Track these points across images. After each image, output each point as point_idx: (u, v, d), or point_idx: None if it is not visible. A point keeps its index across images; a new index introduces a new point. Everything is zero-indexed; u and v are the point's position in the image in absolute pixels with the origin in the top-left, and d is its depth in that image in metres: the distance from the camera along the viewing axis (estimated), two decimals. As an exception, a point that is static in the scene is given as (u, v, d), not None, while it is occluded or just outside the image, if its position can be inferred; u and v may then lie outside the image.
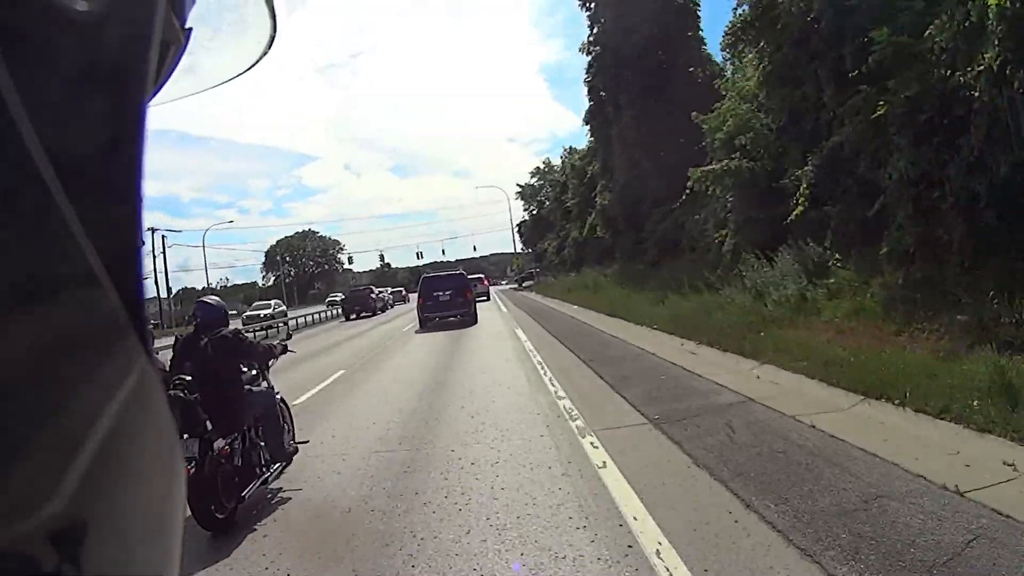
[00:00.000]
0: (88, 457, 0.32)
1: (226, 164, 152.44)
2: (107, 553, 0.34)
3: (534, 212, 63.98)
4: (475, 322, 19.32)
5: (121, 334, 0.36)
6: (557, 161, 58.41)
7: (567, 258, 44.62)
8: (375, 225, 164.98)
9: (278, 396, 5.08)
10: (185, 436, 3.87)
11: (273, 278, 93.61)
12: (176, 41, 0.46)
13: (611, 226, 28.69)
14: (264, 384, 4.99)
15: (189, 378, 4.02)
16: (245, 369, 4.80)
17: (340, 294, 48.99)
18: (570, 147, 53.24)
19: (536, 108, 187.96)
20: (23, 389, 0.29)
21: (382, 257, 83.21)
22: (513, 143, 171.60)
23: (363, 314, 33.01)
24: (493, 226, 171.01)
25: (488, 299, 35.30)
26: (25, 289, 0.30)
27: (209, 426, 4.03)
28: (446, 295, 19.55)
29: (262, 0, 0.59)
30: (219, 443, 4.12)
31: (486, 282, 40.17)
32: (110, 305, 0.35)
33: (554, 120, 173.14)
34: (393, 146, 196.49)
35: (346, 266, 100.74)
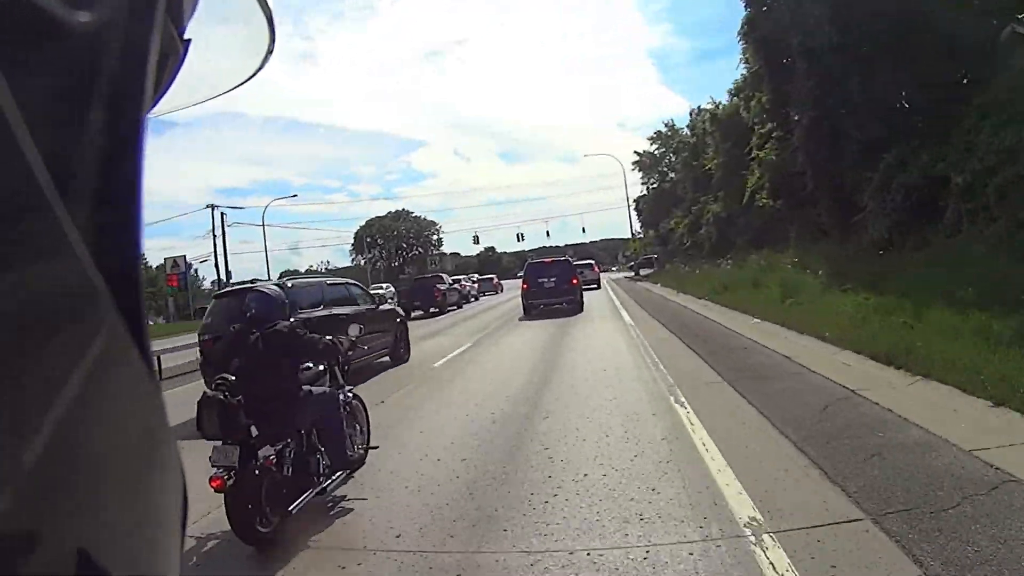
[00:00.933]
0: (75, 462, 0.32)
1: (335, 150, 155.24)
2: (88, 557, 0.33)
3: (655, 185, 52.84)
4: (581, 310, 18.19)
5: (120, 345, 0.36)
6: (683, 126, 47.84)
7: (704, 239, 34.60)
8: (481, 212, 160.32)
9: (350, 396, 4.64)
10: (223, 442, 3.44)
11: (362, 261, 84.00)
12: (175, 52, 0.46)
13: (786, 191, 19.64)
14: (329, 385, 4.47)
15: (233, 378, 3.63)
16: (311, 366, 4.36)
17: (387, 285, 36.71)
18: (697, 107, 42.59)
19: (645, 93, 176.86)
20: (16, 397, 0.30)
21: (476, 239, 65.55)
22: (623, 128, 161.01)
23: (431, 309, 24.30)
24: (606, 205, 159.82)
25: (598, 287, 31.10)
26: (23, 301, 0.30)
27: (255, 431, 3.64)
28: (551, 282, 18.74)
29: (260, 11, 0.59)
30: (265, 450, 3.67)
31: (596, 268, 34.43)
32: (109, 317, 0.35)
33: (663, 104, 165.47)
34: (501, 131, 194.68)
35: (441, 249, 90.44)
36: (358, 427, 4.85)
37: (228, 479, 3.34)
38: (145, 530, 0.38)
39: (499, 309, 23.73)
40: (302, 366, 4.34)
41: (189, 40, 0.48)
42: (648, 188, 53.31)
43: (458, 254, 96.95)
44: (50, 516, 0.30)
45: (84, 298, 0.33)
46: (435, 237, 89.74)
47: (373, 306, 10.52)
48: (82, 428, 0.32)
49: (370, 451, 4.82)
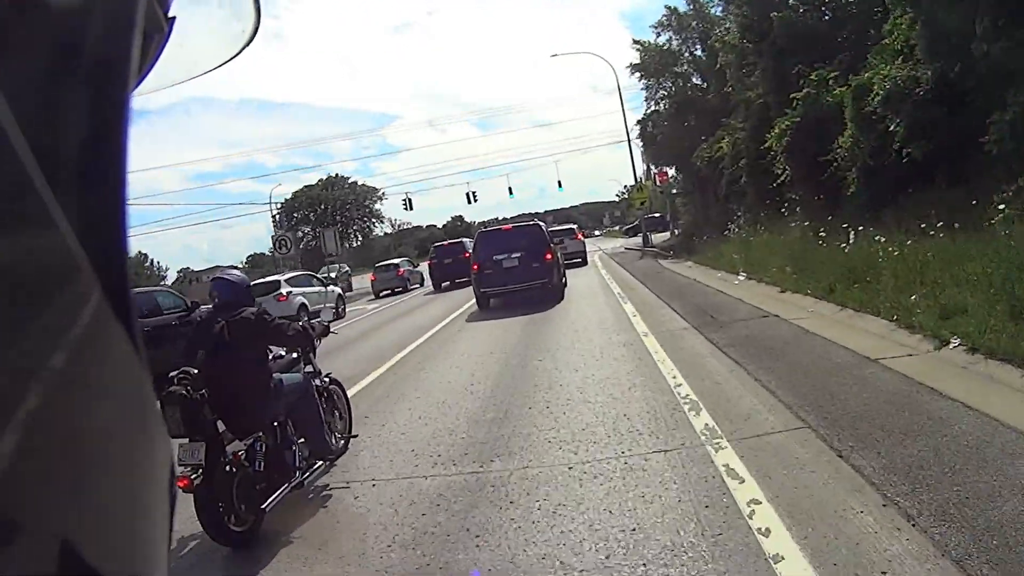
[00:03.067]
0: (62, 453, 0.32)
1: (309, 128, 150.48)
2: (72, 548, 0.32)
3: (664, 96, 29.13)
4: (561, 299, 12.23)
5: (105, 327, 0.35)
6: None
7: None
8: (460, 180, 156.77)
9: (326, 382, 4.52)
10: (188, 440, 3.28)
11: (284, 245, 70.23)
12: (159, 30, 0.45)
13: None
14: (303, 371, 4.30)
15: (195, 371, 3.45)
16: (283, 354, 4.27)
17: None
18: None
19: (619, 58, 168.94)
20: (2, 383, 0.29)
21: (408, 203, 44.00)
22: (596, 92, 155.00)
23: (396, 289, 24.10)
24: (588, 165, 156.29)
25: (584, 262, 22.35)
26: (7, 281, 0.30)
27: (223, 427, 3.49)
28: (512, 258, 12.36)
29: None
30: (234, 446, 3.55)
31: (579, 235, 24.97)
32: (94, 297, 0.34)
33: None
34: (474, 101, 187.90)
35: (399, 220, 77.98)
36: (337, 413, 4.70)
37: (196, 478, 3.23)
38: (131, 520, 0.37)
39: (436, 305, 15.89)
40: (273, 355, 4.19)
41: (174, 18, 0.47)
42: (656, 103, 29.55)
43: (435, 226, 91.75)
44: (31, 504, 0.29)
45: (68, 277, 0.33)
46: (376, 206, 73.73)
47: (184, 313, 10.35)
48: (64, 409, 0.31)
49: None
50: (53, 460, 0.31)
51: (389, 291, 24.21)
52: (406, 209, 55.07)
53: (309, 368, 4.44)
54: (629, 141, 29.69)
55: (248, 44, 0.62)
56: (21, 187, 0.30)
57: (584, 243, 25.19)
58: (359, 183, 73.01)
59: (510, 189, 53.90)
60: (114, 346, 0.36)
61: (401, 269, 24.85)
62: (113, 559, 0.34)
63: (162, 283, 62.69)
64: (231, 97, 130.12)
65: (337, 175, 72.87)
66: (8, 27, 0.31)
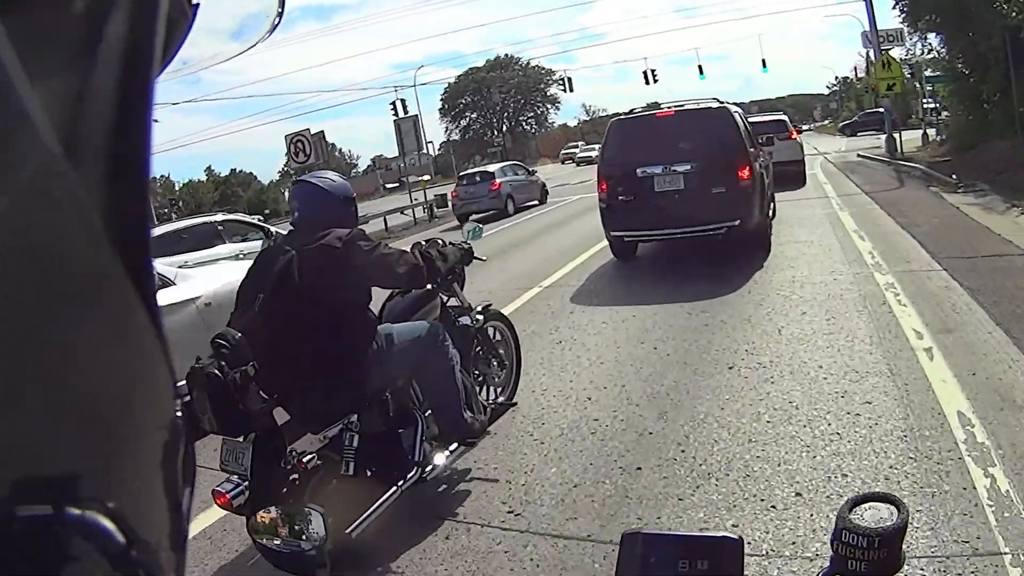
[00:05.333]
0: (71, 407, 0.32)
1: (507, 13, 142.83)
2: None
3: None
4: (764, 259, 6.68)
5: (129, 315, 0.36)
6: None
7: None
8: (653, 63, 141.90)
9: (478, 321, 3.32)
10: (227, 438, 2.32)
11: (455, 131, 64.94)
12: (183, 17, 0.46)
13: None
14: (438, 312, 3.16)
15: (238, 335, 2.28)
16: (397, 295, 3.10)
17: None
18: None
19: None
20: (16, 362, 0.30)
21: (568, 83, 42.38)
22: None
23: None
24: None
25: (803, 183, 13.05)
26: (31, 267, 0.31)
27: (287, 415, 2.47)
28: (675, 173, 6.67)
29: None
30: (306, 441, 2.54)
31: (793, 133, 14.26)
32: (118, 284, 0.35)
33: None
34: None
35: (592, 105, 68.21)
36: (496, 362, 3.52)
37: (237, 494, 2.27)
38: (146, 497, 0.37)
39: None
40: (390, 297, 3.14)
41: (197, 5, 0.47)
42: None
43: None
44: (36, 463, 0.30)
45: (93, 261, 0.34)
46: (549, 91, 64.40)
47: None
48: (76, 376, 0.32)
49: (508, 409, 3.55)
50: (62, 431, 0.31)
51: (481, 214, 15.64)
52: (566, 91, 45.91)
53: (455, 302, 3.29)
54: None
55: (273, 30, 0.62)
56: (45, 171, 0.31)
57: (801, 145, 14.49)
58: (530, 64, 63.11)
59: (700, 68, 39.81)
60: (133, 335, 0.36)
61: (497, 181, 16.32)
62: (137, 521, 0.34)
63: (353, 171, 67.79)
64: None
65: (507, 55, 64.14)
66: (30, 12, 0.32)
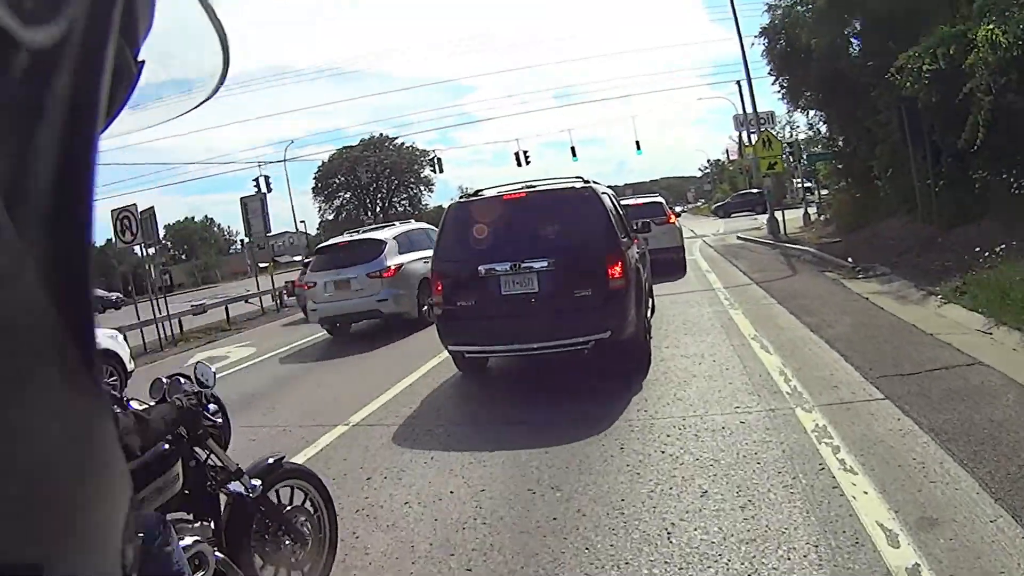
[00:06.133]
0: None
1: (387, 98, 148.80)
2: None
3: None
4: (640, 383, 5.14)
5: (67, 366, 0.35)
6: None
7: None
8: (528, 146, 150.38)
9: (254, 487, 2.47)
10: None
11: (328, 211, 62.36)
12: (129, 74, 0.46)
13: None
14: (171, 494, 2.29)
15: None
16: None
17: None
18: None
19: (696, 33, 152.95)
20: None
21: (437, 163, 42.36)
22: (680, 73, 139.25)
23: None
24: (672, 140, 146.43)
25: (683, 270, 11.98)
26: None
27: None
28: (528, 271, 5.23)
29: (215, 34, 0.60)
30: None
31: (671, 217, 13.18)
32: (56, 338, 0.35)
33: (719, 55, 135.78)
34: (554, 75, 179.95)
35: (468, 187, 66.95)
36: (288, 544, 2.63)
37: None
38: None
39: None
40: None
41: (143, 62, 0.48)
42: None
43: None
44: None
45: (32, 315, 0.33)
46: (423, 172, 61.47)
47: None
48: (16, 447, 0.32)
49: None
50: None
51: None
52: (435, 172, 46.68)
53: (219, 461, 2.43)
54: (745, 59, 18.90)
55: (218, 88, 0.63)
56: None
57: (680, 230, 13.16)
58: (405, 144, 61.37)
59: (572, 150, 36.03)
60: (74, 387, 0.35)
61: (391, 264, 9.61)
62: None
63: (233, 248, 63.12)
64: (309, 66, 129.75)
65: (381, 135, 61.43)
66: None
